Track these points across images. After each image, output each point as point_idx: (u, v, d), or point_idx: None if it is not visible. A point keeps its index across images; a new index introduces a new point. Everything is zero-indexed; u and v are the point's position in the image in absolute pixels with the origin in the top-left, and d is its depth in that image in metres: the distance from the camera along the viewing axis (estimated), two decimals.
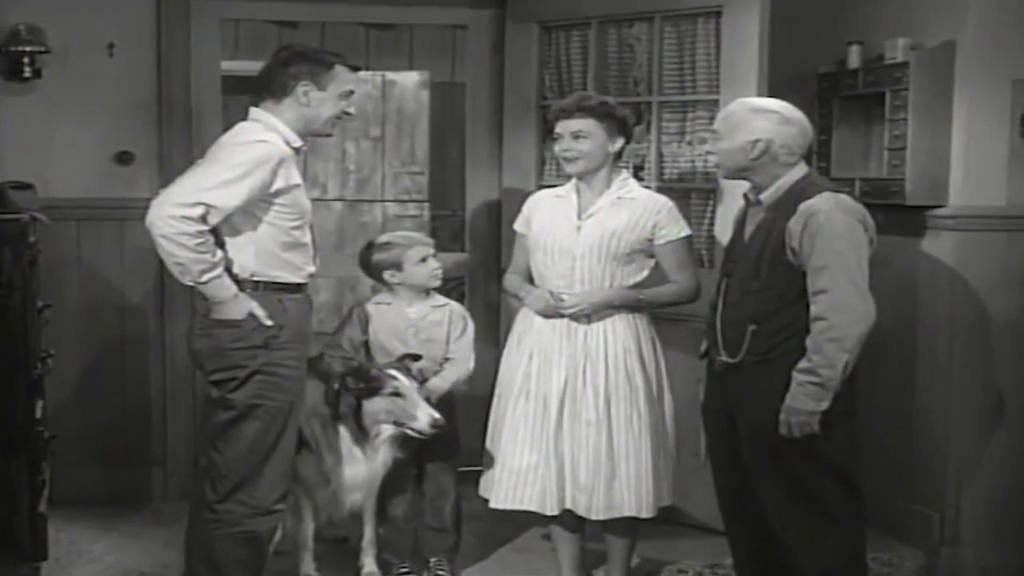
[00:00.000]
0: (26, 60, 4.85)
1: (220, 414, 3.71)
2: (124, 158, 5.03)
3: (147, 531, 4.86)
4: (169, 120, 5.08)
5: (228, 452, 3.71)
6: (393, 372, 4.09)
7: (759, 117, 3.69)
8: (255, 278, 3.66)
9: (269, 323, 3.63)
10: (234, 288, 3.61)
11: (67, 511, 4.71)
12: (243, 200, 3.56)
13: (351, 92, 3.81)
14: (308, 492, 4.24)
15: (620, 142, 4.06)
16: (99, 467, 5.12)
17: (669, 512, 4.23)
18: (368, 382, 4.07)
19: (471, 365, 4.34)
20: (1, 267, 3.97)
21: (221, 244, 3.62)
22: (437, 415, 4.01)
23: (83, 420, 5.06)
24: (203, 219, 3.50)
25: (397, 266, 4.33)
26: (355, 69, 3.83)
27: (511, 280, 4.26)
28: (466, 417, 4.45)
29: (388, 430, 4.10)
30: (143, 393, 5.17)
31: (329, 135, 3.90)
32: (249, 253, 3.65)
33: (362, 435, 4.09)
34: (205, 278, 3.56)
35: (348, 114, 3.82)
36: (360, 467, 4.14)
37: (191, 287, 3.64)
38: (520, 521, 4.35)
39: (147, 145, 5.05)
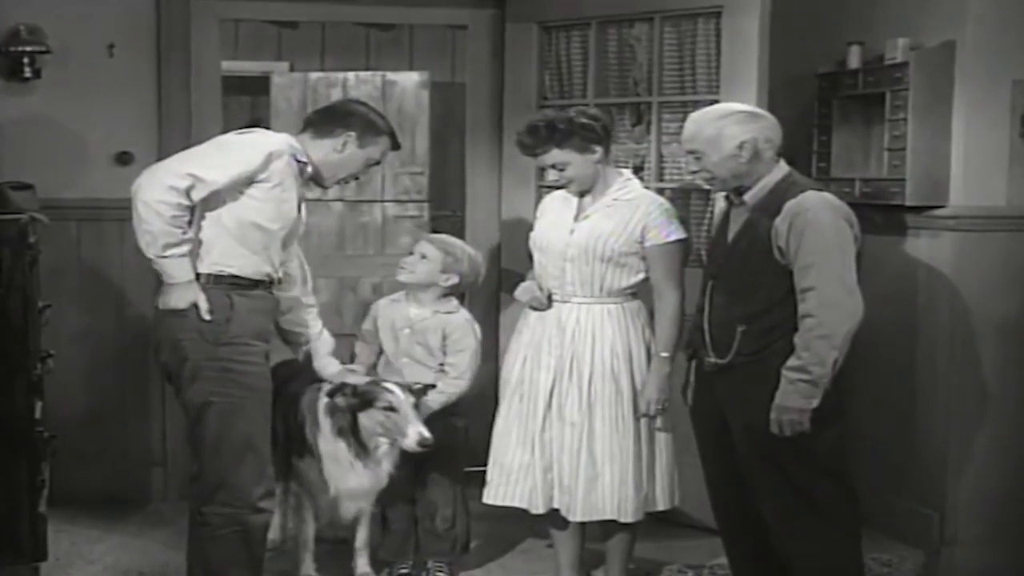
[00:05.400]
0: (26, 60, 4.85)
1: (187, 416, 3.77)
2: (124, 158, 5.04)
3: (147, 531, 4.87)
4: (169, 120, 5.08)
5: (201, 455, 3.74)
6: (388, 386, 4.08)
7: (731, 121, 3.68)
8: (210, 271, 3.68)
9: (207, 317, 3.64)
10: (191, 275, 3.65)
11: (67, 511, 4.71)
12: (231, 178, 3.63)
13: (377, 163, 3.95)
14: (310, 495, 4.25)
15: (598, 149, 4.03)
16: (99, 467, 5.12)
17: (669, 512, 4.23)
18: (359, 396, 4.05)
19: (464, 385, 4.28)
20: (1, 267, 3.98)
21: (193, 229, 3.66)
22: (427, 434, 3.98)
23: (83, 420, 5.06)
24: (187, 193, 3.56)
25: None
26: (396, 147, 3.99)
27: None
28: (472, 417, 4.44)
29: (386, 442, 4.10)
30: (143, 393, 5.17)
31: (325, 188, 3.99)
32: (217, 245, 3.68)
33: (362, 449, 4.08)
34: (168, 252, 3.59)
35: (356, 178, 4.00)
36: (363, 479, 4.14)
37: None
38: (523, 521, 4.35)
39: (147, 146, 5.05)
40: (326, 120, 3.90)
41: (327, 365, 4.18)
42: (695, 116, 3.81)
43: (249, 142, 3.73)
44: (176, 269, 3.63)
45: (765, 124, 3.70)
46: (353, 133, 3.84)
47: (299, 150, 3.79)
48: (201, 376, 3.67)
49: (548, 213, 4.22)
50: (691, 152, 3.74)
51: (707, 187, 4.06)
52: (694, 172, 3.86)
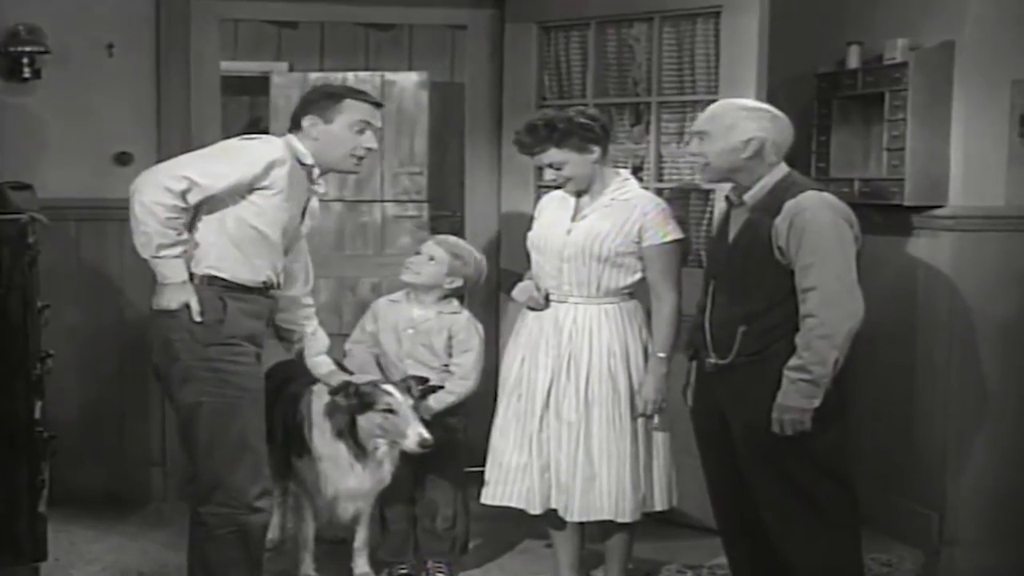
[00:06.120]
0: (26, 60, 4.85)
1: (179, 417, 3.77)
2: (123, 158, 5.04)
3: (147, 531, 4.87)
4: (168, 120, 5.09)
5: (195, 456, 3.74)
6: (387, 387, 4.06)
7: (750, 117, 3.69)
8: (205, 273, 3.68)
9: (199, 318, 3.65)
10: (184, 276, 3.65)
11: (67, 511, 4.70)
12: (229, 184, 3.63)
13: (366, 124, 3.82)
14: (309, 496, 4.24)
15: (596, 149, 4.04)
16: (99, 467, 5.12)
17: (668, 512, 4.23)
18: (359, 397, 4.04)
19: (471, 384, 4.28)
20: (1, 267, 3.98)
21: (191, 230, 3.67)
22: (427, 435, 3.97)
23: (82, 420, 5.06)
24: (183, 195, 3.57)
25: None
26: (375, 104, 3.87)
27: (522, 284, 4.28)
28: (471, 418, 4.44)
29: (385, 444, 4.09)
30: (143, 393, 5.16)
31: (353, 172, 3.94)
32: (215, 248, 3.68)
33: (360, 451, 4.07)
34: (162, 253, 3.60)
35: (369, 149, 3.84)
36: (363, 480, 4.13)
37: None
38: (522, 522, 4.35)
39: (146, 145, 5.05)
40: (294, 118, 3.87)
41: (319, 364, 4.18)
42: (722, 101, 3.89)
43: (251, 149, 3.72)
44: (169, 270, 3.64)
45: (779, 127, 3.70)
46: (312, 115, 3.80)
47: (303, 153, 3.78)
48: (193, 376, 3.67)
49: (545, 213, 4.22)
50: (699, 132, 3.75)
51: (699, 178, 4.03)
52: (693, 154, 3.85)
